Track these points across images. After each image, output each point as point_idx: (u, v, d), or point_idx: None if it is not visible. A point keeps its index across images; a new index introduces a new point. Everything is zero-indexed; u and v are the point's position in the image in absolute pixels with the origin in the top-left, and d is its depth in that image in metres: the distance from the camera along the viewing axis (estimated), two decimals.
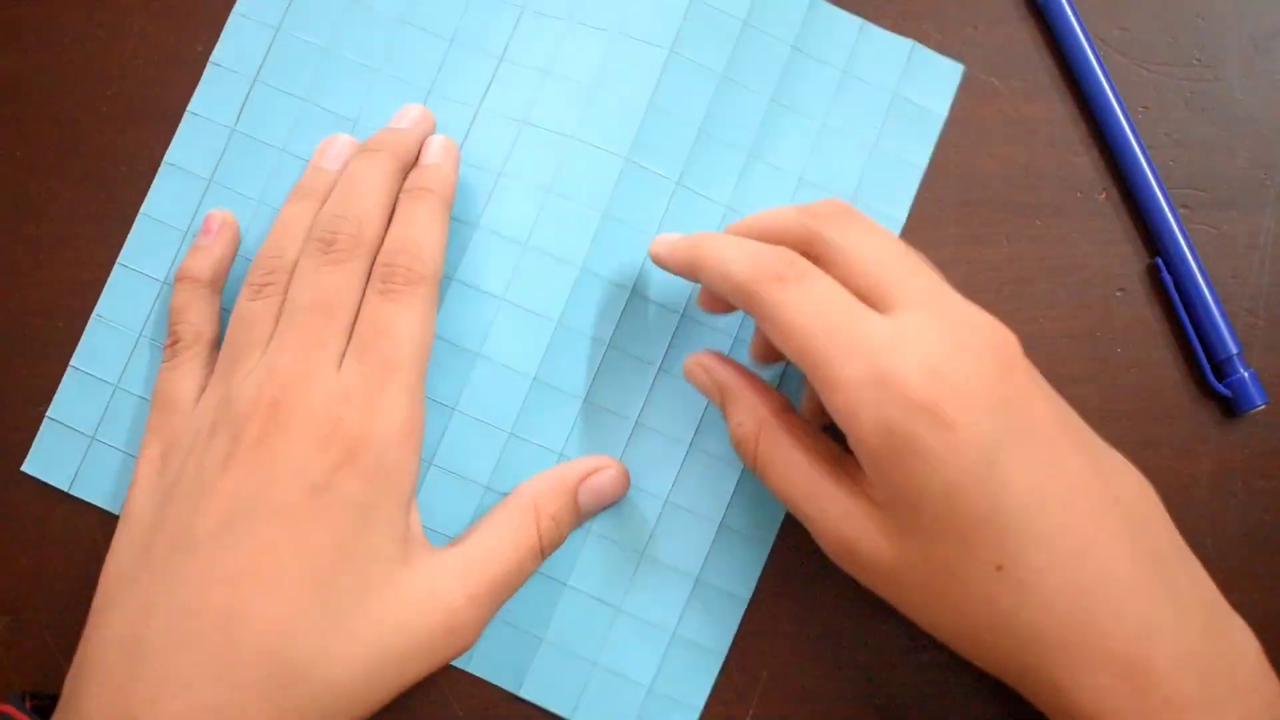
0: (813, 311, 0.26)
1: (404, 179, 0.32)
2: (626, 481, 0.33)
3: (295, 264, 0.31)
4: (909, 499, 0.26)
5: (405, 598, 0.28)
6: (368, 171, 0.31)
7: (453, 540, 0.31)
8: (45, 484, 0.34)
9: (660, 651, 0.33)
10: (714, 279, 0.29)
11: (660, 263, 0.31)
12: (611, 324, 0.33)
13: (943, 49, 0.35)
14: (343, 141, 0.33)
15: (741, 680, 0.33)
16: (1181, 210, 0.34)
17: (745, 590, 0.33)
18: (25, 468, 0.34)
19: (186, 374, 0.32)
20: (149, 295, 0.34)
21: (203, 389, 0.32)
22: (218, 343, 0.33)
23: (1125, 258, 0.34)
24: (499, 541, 0.30)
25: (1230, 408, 0.33)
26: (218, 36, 0.35)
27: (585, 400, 0.33)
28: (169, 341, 0.32)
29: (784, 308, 0.27)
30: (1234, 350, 0.33)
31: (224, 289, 0.34)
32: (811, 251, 0.28)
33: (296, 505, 0.27)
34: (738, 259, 0.28)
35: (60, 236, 0.35)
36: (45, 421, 0.34)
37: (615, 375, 0.33)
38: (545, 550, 0.31)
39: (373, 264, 0.30)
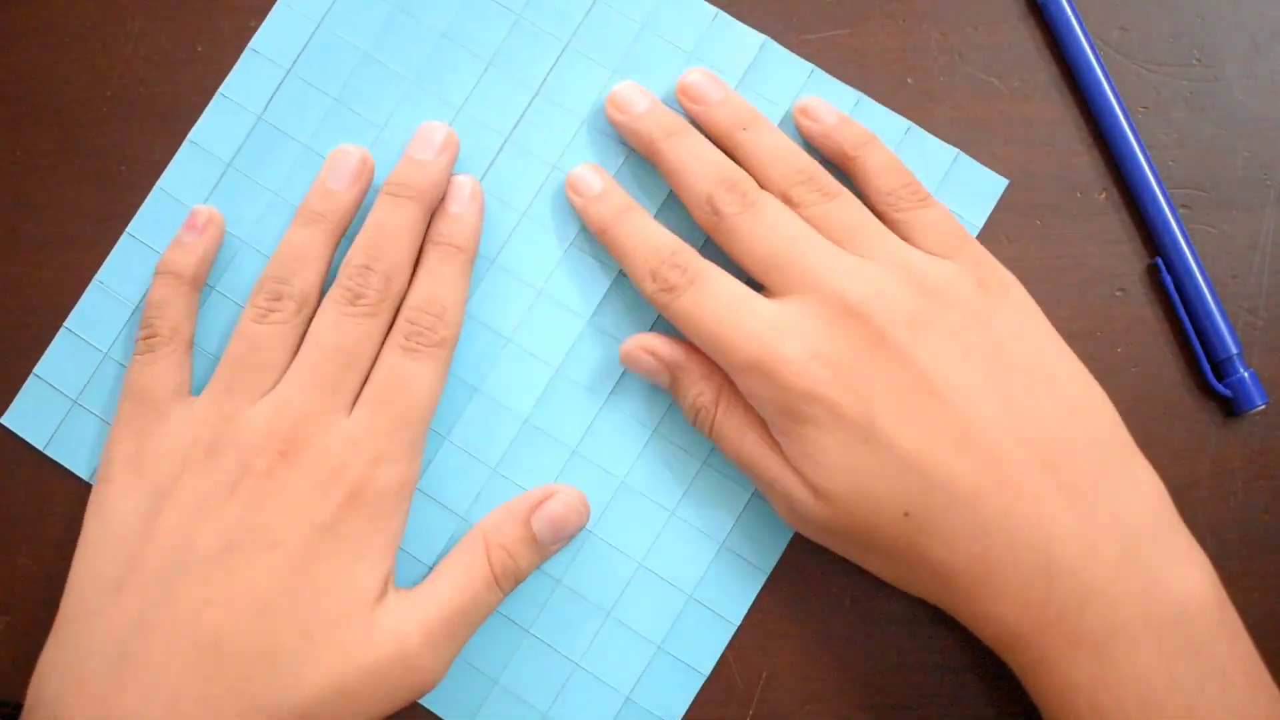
0: (708, 310, 0.30)
1: (428, 219, 0.32)
2: (584, 508, 0.32)
3: (303, 294, 0.31)
4: (814, 463, 0.29)
5: (371, 635, 0.29)
6: (396, 223, 0.31)
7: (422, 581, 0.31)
8: (46, 485, 0.34)
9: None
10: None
11: (618, 127, 0.33)
12: (611, 381, 0.34)
13: (943, 49, 0.35)
14: (355, 158, 0.33)
15: (741, 680, 0.33)
16: (1181, 210, 0.34)
17: (707, 664, 0.33)
18: (4, 419, 0.34)
19: (163, 370, 0.32)
20: (151, 268, 0.34)
21: (178, 387, 0.32)
22: (192, 342, 0.33)
23: (1125, 258, 0.34)
24: (452, 579, 0.31)
25: (1230, 408, 0.33)
26: (218, 37, 0.35)
27: (574, 451, 0.33)
28: (143, 334, 0.32)
29: (685, 312, 0.30)
30: (1234, 350, 0.33)
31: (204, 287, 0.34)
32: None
33: (298, 539, 0.28)
34: (638, 274, 0.31)
35: (60, 236, 0.35)
36: (30, 378, 0.34)
37: (607, 430, 0.33)
38: (500, 581, 0.31)
39: (396, 312, 0.31)
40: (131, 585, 0.28)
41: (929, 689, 0.33)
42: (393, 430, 0.30)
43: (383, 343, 0.31)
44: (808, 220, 0.31)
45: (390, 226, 0.31)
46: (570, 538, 0.32)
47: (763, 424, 0.30)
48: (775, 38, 0.34)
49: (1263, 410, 0.33)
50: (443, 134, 0.33)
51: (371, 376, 0.31)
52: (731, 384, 0.31)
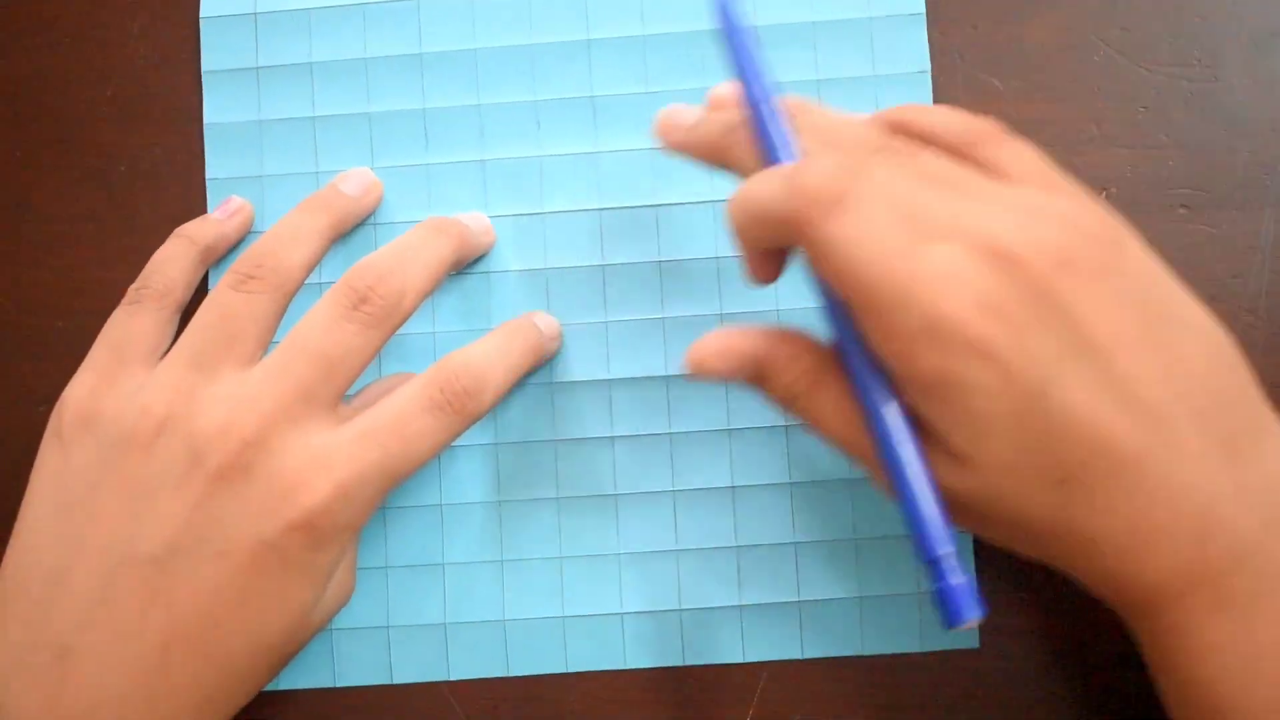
0: (868, 255, 0.25)
1: (457, 264, 0.32)
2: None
3: (289, 271, 0.30)
4: (971, 433, 0.25)
5: (310, 636, 0.29)
6: (428, 250, 0.30)
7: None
8: None
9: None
10: (750, 206, 0.27)
11: (678, 145, 0.30)
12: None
13: (943, 49, 0.35)
14: (370, 180, 0.33)
15: (742, 680, 0.33)
16: (1181, 210, 0.34)
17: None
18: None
19: (144, 325, 0.31)
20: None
21: (154, 348, 0.31)
22: (183, 307, 0.32)
23: None
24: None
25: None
26: None
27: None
28: (137, 285, 0.32)
29: (837, 251, 0.25)
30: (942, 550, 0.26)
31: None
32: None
33: (243, 552, 0.27)
34: (775, 187, 0.26)
35: (60, 236, 0.35)
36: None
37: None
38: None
39: (392, 332, 0.29)
40: (74, 576, 0.27)
41: (928, 690, 0.33)
42: (368, 472, 0.28)
43: (372, 357, 0.29)
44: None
45: (417, 249, 0.30)
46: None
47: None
48: None
49: None
50: (484, 221, 0.34)
51: (378, 407, 0.28)
52: (825, 365, 0.28)
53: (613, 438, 0.34)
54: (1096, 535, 0.26)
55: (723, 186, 0.34)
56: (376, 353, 0.29)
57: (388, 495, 0.29)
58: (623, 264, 0.34)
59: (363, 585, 0.33)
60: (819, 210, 0.25)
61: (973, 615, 0.25)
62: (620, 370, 0.34)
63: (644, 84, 0.34)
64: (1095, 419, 0.25)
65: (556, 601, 0.33)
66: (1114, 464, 0.25)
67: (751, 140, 0.28)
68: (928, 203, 0.26)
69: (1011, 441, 0.25)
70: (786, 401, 0.28)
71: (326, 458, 0.27)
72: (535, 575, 0.33)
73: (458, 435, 0.29)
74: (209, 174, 0.35)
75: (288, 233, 0.30)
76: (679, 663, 0.33)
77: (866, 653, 0.33)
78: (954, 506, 0.27)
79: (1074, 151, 0.34)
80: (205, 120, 0.35)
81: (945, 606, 0.25)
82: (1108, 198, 0.34)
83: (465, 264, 0.34)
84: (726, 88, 0.30)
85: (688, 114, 0.30)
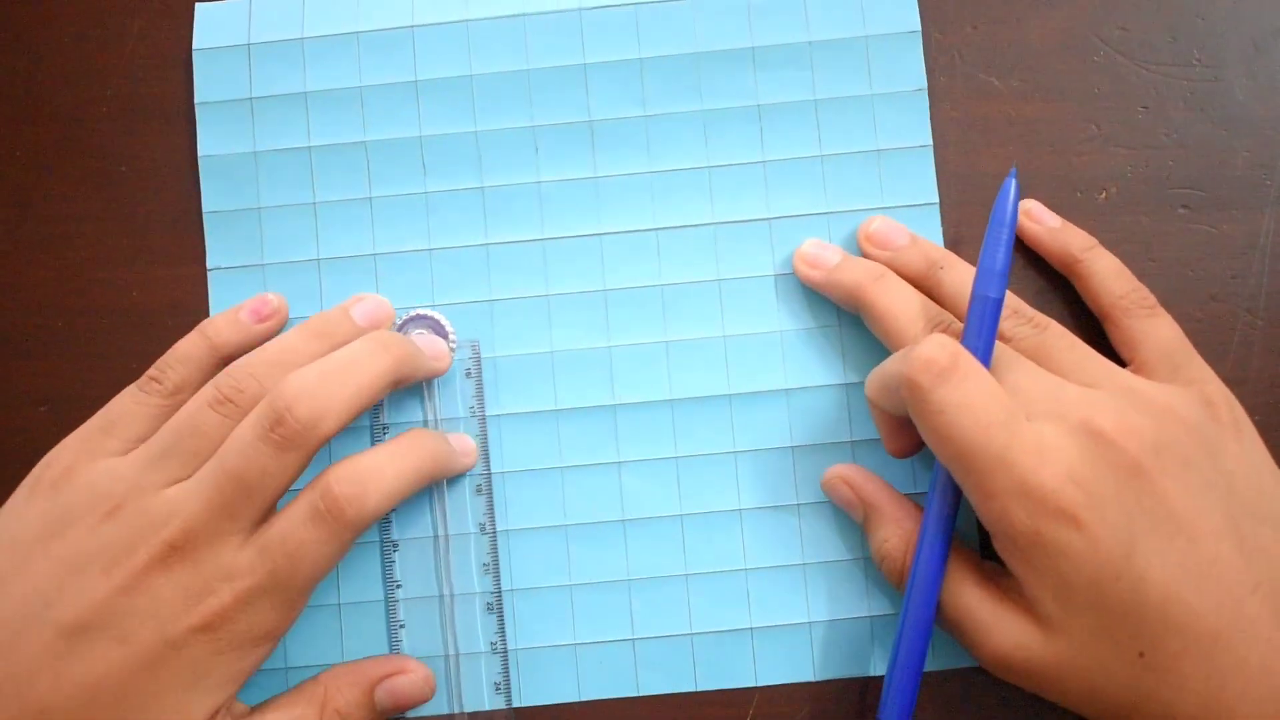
0: (970, 421, 0.27)
1: (398, 383, 0.31)
2: (429, 688, 0.32)
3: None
4: (1057, 597, 0.27)
5: None
6: (359, 371, 0.30)
7: (251, 710, 0.30)
8: None
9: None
10: (880, 375, 0.30)
11: (817, 286, 0.34)
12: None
13: (943, 49, 0.35)
14: (382, 313, 0.33)
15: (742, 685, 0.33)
16: (1181, 210, 0.34)
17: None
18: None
19: (142, 415, 0.31)
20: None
21: (147, 435, 0.31)
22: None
23: (1126, 258, 0.34)
24: None
25: None
26: None
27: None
28: (152, 375, 0.32)
29: (943, 415, 0.28)
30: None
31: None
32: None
33: (145, 646, 0.28)
34: (907, 333, 0.31)
35: (60, 236, 0.35)
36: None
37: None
38: None
39: (312, 454, 0.29)
40: (1, 610, 0.28)
41: (927, 691, 0.33)
42: (271, 586, 0.29)
43: (294, 475, 0.29)
44: (1022, 354, 0.30)
45: (351, 369, 0.30)
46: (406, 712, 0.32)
47: (959, 566, 0.30)
48: None
49: (1262, 410, 0.33)
50: (441, 348, 0.33)
51: (270, 524, 0.29)
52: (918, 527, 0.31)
53: (619, 463, 0.34)
54: (1173, 705, 0.27)
55: (724, 210, 0.34)
56: (299, 471, 0.29)
57: (298, 604, 0.29)
58: (625, 289, 0.34)
59: (369, 619, 0.33)
60: (928, 377, 0.28)
61: None
62: (625, 395, 0.34)
63: (641, 107, 0.34)
64: (1172, 593, 0.27)
65: (569, 629, 0.33)
66: (1187, 642, 0.27)
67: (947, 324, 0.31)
68: (1035, 381, 0.29)
69: (1095, 608, 0.27)
70: (881, 557, 0.31)
71: (234, 572, 0.29)
72: (545, 602, 0.33)
73: (350, 544, 0.29)
74: (205, 207, 0.35)
75: (277, 357, 0.31)
76: (691, 688, 0.33)
77: (877, 674, 0.33)
78: (1037, 673, 0.28)
79: (1074, 151, 0.34)
80: (200, 153, 0.35)
81: None
82: (1107, 198, 0.34)
83: (412, 382, 0.32)
84: (880, 225, 0.34)
85: (830, 255, 0.34)
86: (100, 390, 0.34)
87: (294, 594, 0.29)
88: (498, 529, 0.34)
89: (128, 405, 0.32)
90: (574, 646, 0.33)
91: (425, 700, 0.32)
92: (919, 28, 0.34)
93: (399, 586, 0.33)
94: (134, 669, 0.28)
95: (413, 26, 0.35)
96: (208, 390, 0.30)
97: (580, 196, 0.34)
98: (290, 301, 0.34)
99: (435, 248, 0.34)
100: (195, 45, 0.35)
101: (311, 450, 0.29)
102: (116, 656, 0.28)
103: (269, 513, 0.29)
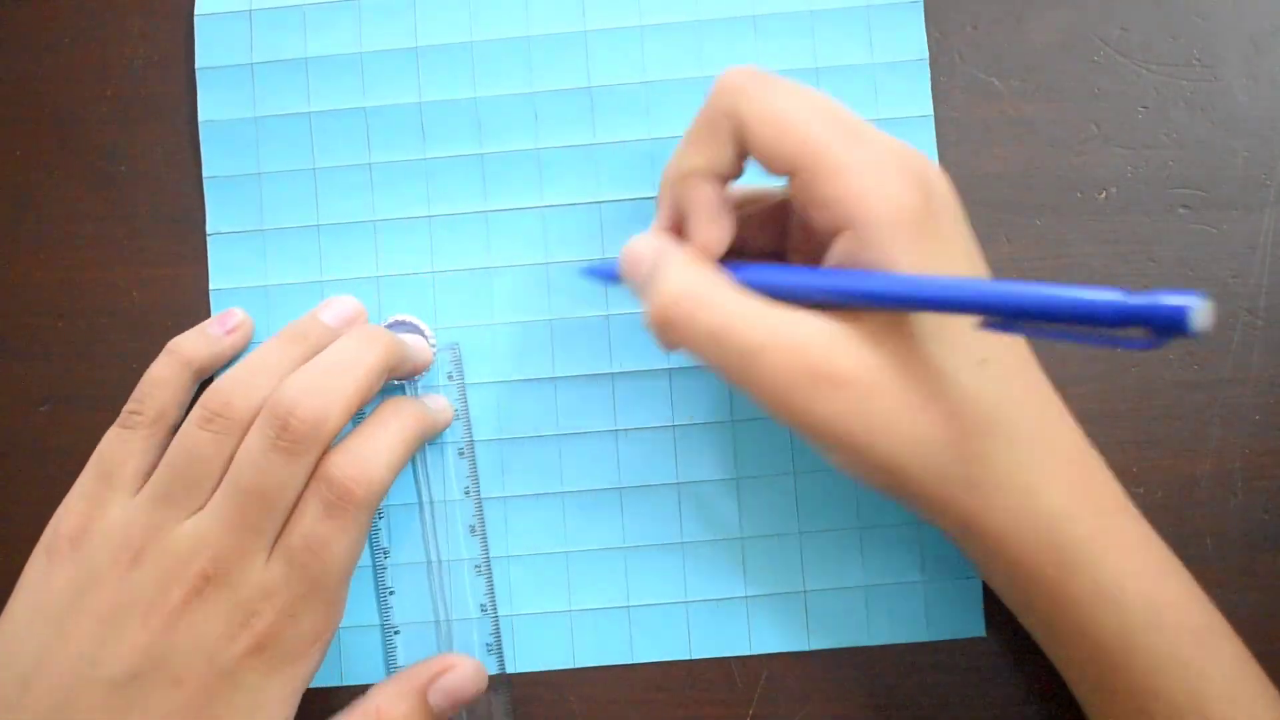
0: (808, 104, 0.27)
1: (385, 380, 0.31)
2: (481, 678, 0.32)
3: (254, 414, 0.30)
4: (944, 256, 0.27)
5: None
6: (353, 367, 0.30)
7: None
8: (47, 490, 0.34)
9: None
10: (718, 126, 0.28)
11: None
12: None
13: (943, 49, 0.35)
14: (351, 311, 0.33)
15: (741, 680, 0.33)
16: (1181, 210, 0.34)
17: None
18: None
19: (134, 450, 0.31)
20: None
21: (140, 470, 0.31)
22: (175, 428, 0.32)
23: (1126, 258, 0.34)
24: None
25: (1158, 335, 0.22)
26: None
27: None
28: (130, 408, 0.32)
29: (774, 102, 0.27)
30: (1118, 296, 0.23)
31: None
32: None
33: (198, 680, 0.28)
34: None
35: (60, 236, 0.35)
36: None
37: None
38: None
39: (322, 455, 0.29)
40: (37, 689, 0.28)
41: (927, 690, 0.33)
42: (307, 589, 0.29)
43: (307, 478, 0.29)
44: None
45: (344, 366, 0.30)
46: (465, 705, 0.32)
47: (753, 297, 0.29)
48: None
49: (1262, 411, 0.33)
50: (425, 349, 0.33)
51: (287, 531, 0.29)
52: (703, 260, 0.29)
53: (616, 430, 0.34)
54: (999, 428, 0.27)
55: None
56: (310, 474, 0.29)
57: (339, 599, 0.29)
58: None
59: (358, 585, 0.33)
60: (752, 79, 0.28)
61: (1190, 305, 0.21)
62: (623, 363, 0.34)
63: (641, 74, 0.34)
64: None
65: (564, 595, 0.33)
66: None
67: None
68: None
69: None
70: (658, 310, 0.28)
71: (271, 589, 0.29)
72: (541, 569, 0.34)
73: (367, 525, 0.30)
74: (205, 171, 0.35)
75: (259, 366, 0.31)
76: (685, 656, 0.33)
77: (873, 643, 0.33)
78: (861, 396, 0.27)
79: (1074, 151, 0.34)
80: (200, 118, 0.35)
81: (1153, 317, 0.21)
82: (1107, 198, 0.34)
83: (404, 375, 0.33)
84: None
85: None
86: (100, 390, 0.34)
87: (332, 591, 0.29)
88: (496, 496, 0.34)
89: (116, 447, 0.31)
90: (569, 613, 0.33)
91: (481, 690, 0.32)
92: None
93: (386, 554, 0.34)
94: (193, 707, 0.28)
95: None
96: (196, 413, 0.30)
97: (580, 163, 0.34)
98: (290, 266, 0.34)
99: (435, 214, 0.34)
100: (197, 11, 0.35)
101: (320, 451, 0.29)
102: (174, 698, 0.28)
103: (284, 523, 0.29)
